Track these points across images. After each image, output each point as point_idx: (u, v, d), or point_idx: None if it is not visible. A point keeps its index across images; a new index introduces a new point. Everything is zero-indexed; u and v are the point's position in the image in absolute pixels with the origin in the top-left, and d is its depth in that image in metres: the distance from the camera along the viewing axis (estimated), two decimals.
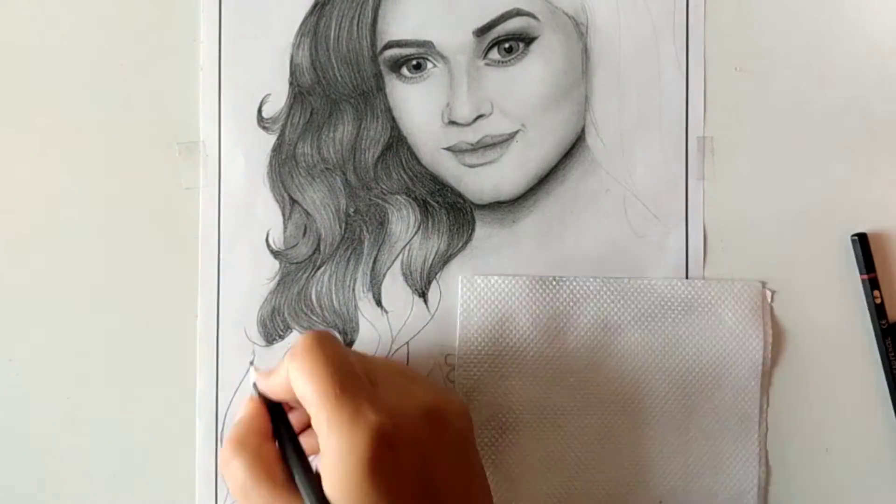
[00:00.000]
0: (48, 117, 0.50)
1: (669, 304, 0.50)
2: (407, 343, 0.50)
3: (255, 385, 0.43)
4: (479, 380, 0.49)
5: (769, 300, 0.50)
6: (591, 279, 0.50)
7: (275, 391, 0.42)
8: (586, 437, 0.49)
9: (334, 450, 0.37)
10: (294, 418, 0.43)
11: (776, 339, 0.50)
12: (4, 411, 0.49)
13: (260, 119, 0.50)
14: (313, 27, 0.50)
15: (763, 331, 0.50)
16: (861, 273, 0.50)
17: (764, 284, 0.50)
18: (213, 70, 0.50)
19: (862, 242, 0.50)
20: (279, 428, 0.42)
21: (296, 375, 0.39)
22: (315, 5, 0.50)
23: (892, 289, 0.51)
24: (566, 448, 0.49)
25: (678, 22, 0.51)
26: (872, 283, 0.50)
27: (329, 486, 0.37)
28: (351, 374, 0.39)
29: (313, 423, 0.38)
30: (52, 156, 0.50)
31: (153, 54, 0.50)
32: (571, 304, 0.50)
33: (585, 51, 0.51)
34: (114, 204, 0.50)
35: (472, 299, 0.49)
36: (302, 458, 0.40)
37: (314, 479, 0.38)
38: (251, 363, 0.49)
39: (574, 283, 0.50)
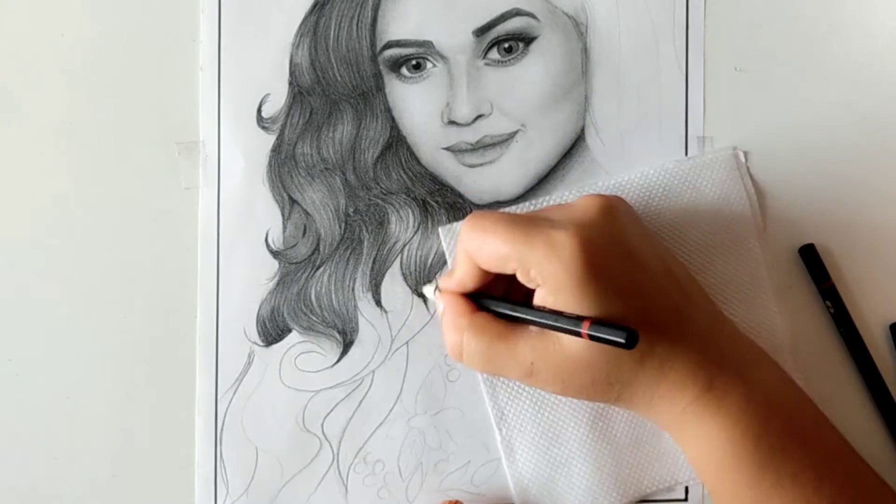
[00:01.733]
0: (48, 117, 0.50)
1: (647, 192, 0.49)
2: (406, 343, 0.50)
3: (436, 290, 0.47)
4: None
5: (743, 160, 0.50)
6: (567, 193, 0.50)
7: (463, 282, 0.45)
8: None
9: (550, 275, 0.41)
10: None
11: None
12: (4, 411, 0.49)
13: (259, 119, 0.50)
14: (313, 27, 0.50)
15: (745, 190, 0.50)
16: (816, 284, 0.50)
17: (734, 148, 0.50)
18: (212, 70, 0.50)
19: (810, 252, 0.50)
20: (478, 301, 0.45)
21: (479, 250, 0.43)
22: (314, 5, 0.50)
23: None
24: None
25: (678, 22, 0.51)
26: (825, 293, 0.50)
27: (561, 304, 0.41)
28: (523, 217, 0.44)
29: (519, 274, 0.42)
30: (52, 156, 0.50)
31: (153, 54, 0.50)
32: None
33: (585, 50, 0.51)
34: (113, 204, 0.50)
35: (455, 246, 0.49)
36: (515, 302, 0.44)
37: (541, 307, 0.42)
38: (435, 283, 0.48)
39: (552, 200, 0.50)
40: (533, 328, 0.43)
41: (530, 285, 0.43)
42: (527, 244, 0.42)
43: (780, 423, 0.42)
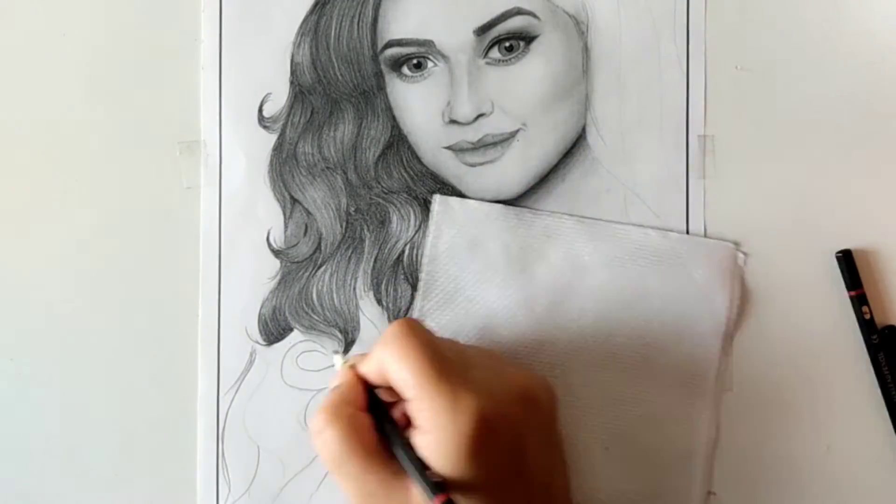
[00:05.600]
0: (49, 117, 0.50)
1: (640, 252, 0.50)
2: None
3: (344, 361, 0.43)
4: (441, 300, 0.49)
5: (741, 263, 0.50)
6: (567, 217, 0.50)
7: (368, 376, 0.42)
8: (538, 370, 0.49)
9: (437, 429, 0.39)
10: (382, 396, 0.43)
11: (748, 309, 0.50)
12: (4, 411, 0.49)
13: (261, 118, 0.50)
14: (314, 26, 0.50)
15: (730, 292, 0.50)
16: (848, 289, 0.50)
17: (738, 246, 0.50)
18: (213, 69, 0.50)
19: (847, 259, 0.50)
20: (373, 401, 0.42)
21: (391, 362, 0.40)
22: (316, 4, 0.50)
23: (880, 302, 0.51)
24: None
25: (679, 20, 0.51)
26: (860, 299, 0.49)
27: (432, 460, 0.39)
28: (445, 358, 0.41)
29: (412, 405, 0.40)
30: (54, 155, 0.50)
31: (154, 54, 0.50)
32: (544, 238, 0.50)
33: (586, 49, 0.51)
34: (115, 203, 0.50)
35: (445, 220, 0.49)
36: (398, 430, 0.41)
37: (413, 451, 0.40)
38: (334, 352, 0.49)
39: (549, 219, 0.50)
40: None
41: (415, 423, 0.40)
42: (433, 392, 0.39)
43: None
